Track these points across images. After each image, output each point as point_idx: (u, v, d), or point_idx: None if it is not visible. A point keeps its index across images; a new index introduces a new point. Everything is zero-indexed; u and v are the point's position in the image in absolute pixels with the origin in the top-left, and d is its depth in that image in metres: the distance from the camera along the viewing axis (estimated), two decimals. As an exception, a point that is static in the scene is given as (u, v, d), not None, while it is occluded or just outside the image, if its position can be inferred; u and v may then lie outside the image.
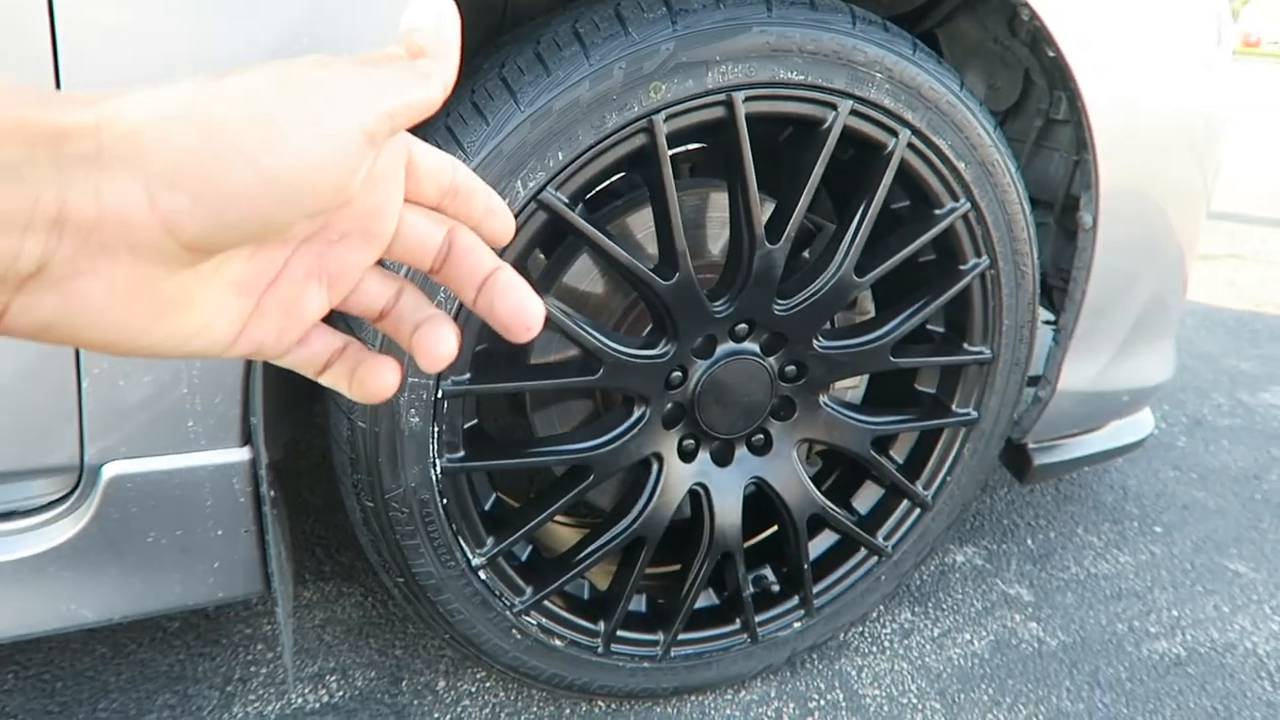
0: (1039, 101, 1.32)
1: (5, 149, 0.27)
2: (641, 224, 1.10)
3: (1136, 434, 1.56)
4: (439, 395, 0.93)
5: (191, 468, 0.88)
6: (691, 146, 1.21)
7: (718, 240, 1.14)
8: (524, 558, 1.12)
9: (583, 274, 1.08)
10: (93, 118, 0.29)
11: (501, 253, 0.90)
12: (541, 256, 1.17)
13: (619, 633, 1.14)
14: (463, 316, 0.91)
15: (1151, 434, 1.62)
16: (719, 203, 1.12)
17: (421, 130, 0.92)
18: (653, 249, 1.05)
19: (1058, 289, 1.37)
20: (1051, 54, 1.09)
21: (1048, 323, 1.37)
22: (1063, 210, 1.35)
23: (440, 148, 0.87)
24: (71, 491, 0.88)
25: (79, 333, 0.31)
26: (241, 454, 0.90)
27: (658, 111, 0.90)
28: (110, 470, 0.85)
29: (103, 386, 0.82)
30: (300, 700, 1.18)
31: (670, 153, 0.93)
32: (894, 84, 0.99)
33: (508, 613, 1.06)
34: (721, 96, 0.92)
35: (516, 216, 0.89)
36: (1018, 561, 1.60)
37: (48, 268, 0.29)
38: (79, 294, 0.30)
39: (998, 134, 1.09)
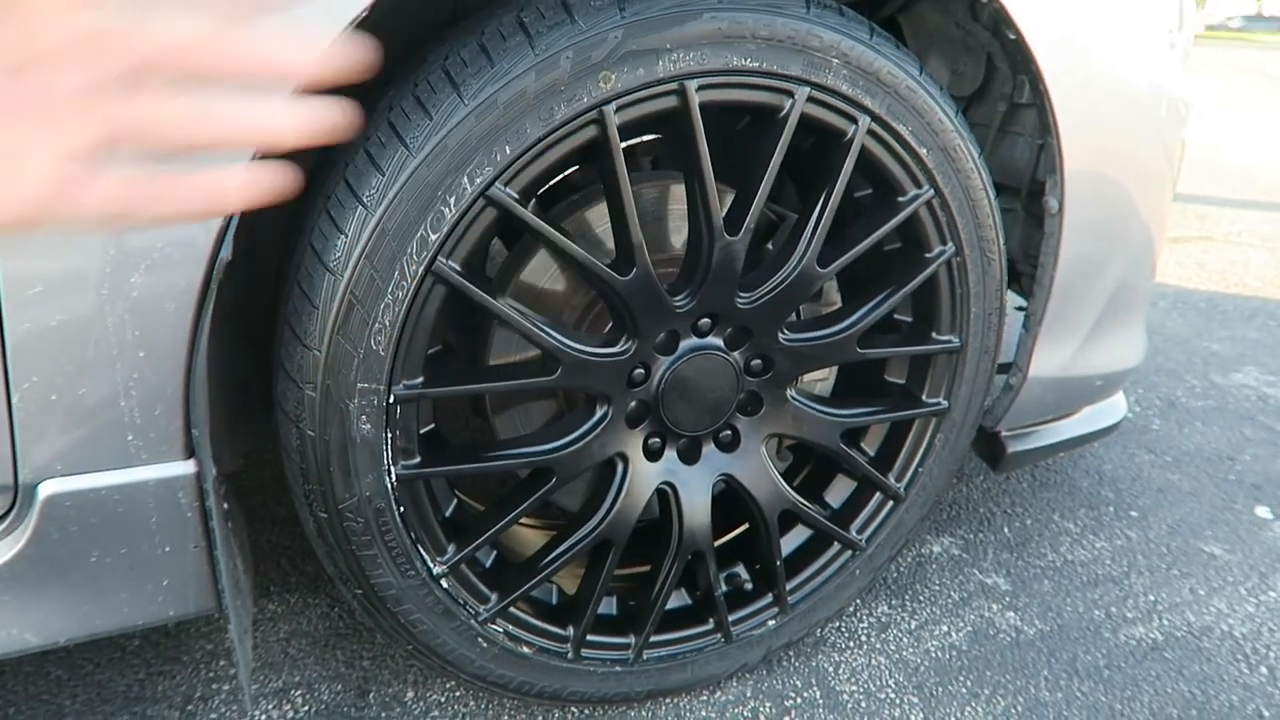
0: (1002, 86, 1.31)
1: None
2: (600, 218, 1.07)
3: (1110, 418, 1.55)
4: (390, 400, 0.90)
5: (133, 483, 0.85)
6: (649, 138, 1.19)
7: (679, 233, 1.11)
8: (488, 564, 1.09)
9: (540, 271, 1.06)
10: None
11: (451, 251, 0.87)
12: (507, 251, 1.14)
13: (589, 637, 1.12)
14: (412, 320, 0.88)
15: (1125, 418, 1.61)
16: (679, 195, 1.10)
17: (364, 126, 0.89)
18: (612, 243, 1.02)
19: (1026, 275, 1.36)
20: (1013, 37, 1.07)
21: (1020, 309, 1.36)
22: (1029, 195, 1.33)
23: (382, 143, 0.85)
24: (7, 512, 0.84)
25: None
26: (186, 467, 0.86)
27: (608, 102, 0.87)
28: (47, 489, 0.82)
29: (34, 401, 0.78)
30: (264, 717, 1.15)
31: (627, 145, 0.90)
32: (851, 69, 0.97)
33: (473, 621, 1.04)
34: (674, 85, 0.89)
35: (464, 214, 0.86)
36: (994, 550, 1.59)
37: None
38: None
39: (959, 119, 1.07)
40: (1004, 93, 1.31)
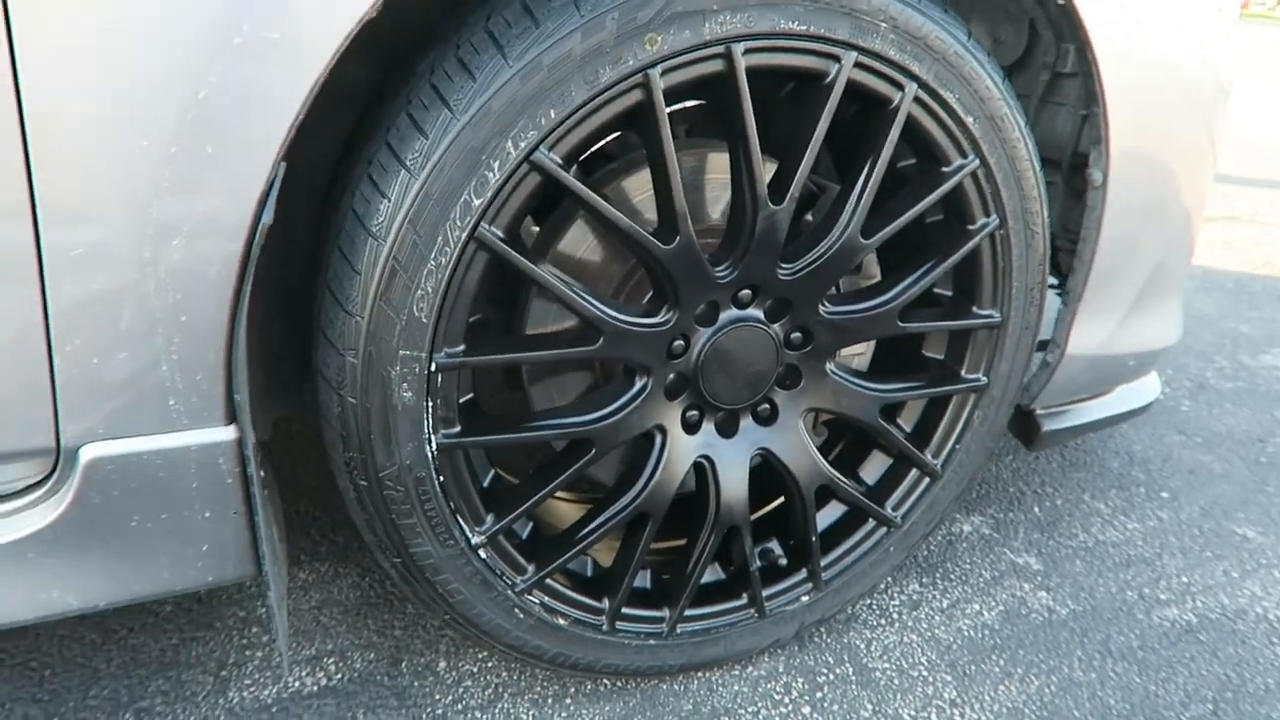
0: (1045, 55, 1.28)
1: None
2: (638, 187, 1.05)
3: (1143, 398, 1.53)
4: (432, 368, 0.89)
5: (174, 448, 0.84)
6: (687, 104, 1.17)
7: (717, 203, 1.09)
8: (525, 535, 1.08)
9: (579, 240, 1.04)
10: None
11: (494, 217, 0.86)
12: (534, 228, 1.13)
13: (624, 610, 1.11)
14: (455, 286, 0.87)
15: (1157, 399, 1.59)
16: (718, 164, 1.08)
17: (405, 89, 0.87)
18: (651, 213, 1.01)
19: (1065, 250, 1.33)
20: (1061, 2, 1.04)
21: (1053, 286, 1.34)
22: (1070, 168, 1.31)
23: (425, 106, 0.83)
24: (49, 475, 0.84)
25: None
26: (227, 433, 0.86)
27: (654, 65, 0.85)
28: (88, 452, 0.82)
29: (76, 365, 0.78)
30: (297, 684, 1.16)
31: (668, 110, 0.89)
32: (899, 34, 0.95)
33: (509, 592, 1.03)
34: (720, 49, 0.87)
35: (508, 179, 0.84)
36: (1025, 530, 1.57)
37: None
38: None
39: (1006, 86, 1.05)
40: (1046, 61, 1.28)
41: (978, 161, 1.05)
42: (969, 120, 1.03)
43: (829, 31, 0.91)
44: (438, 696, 1.15)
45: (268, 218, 0.79)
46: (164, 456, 0.84)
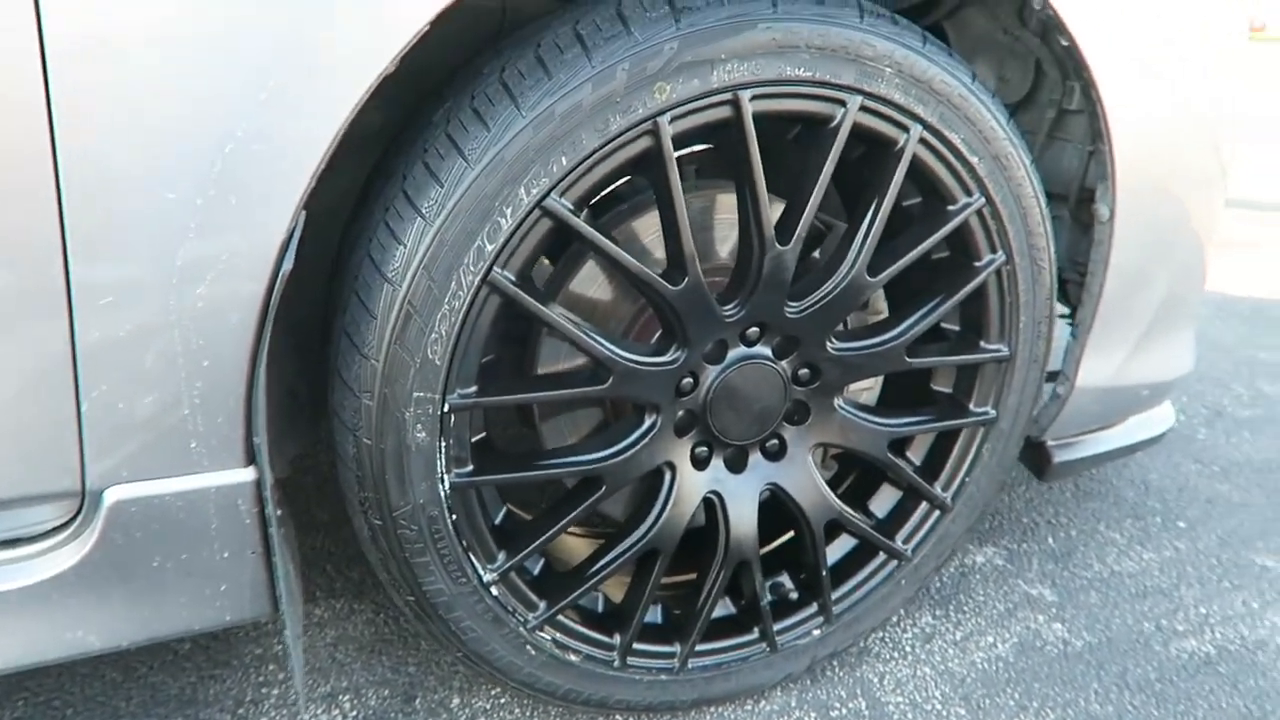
0: (1050, 92, 1.30)
1: None
2: (647, 228, 1.07)
3: (1157, 428, 1.53)
4: (445, 409, 0.91)
5: (195, 490, 0.86)
6: (697, 148, 1.19)
7: (726, 243, 1.11)
8: (536, 572, 1.09)
9: (589, 280, 1.06)
10: None
11: (506, 262, 0.88)
12: (547, 263, 1.15)
13: (635, 645, 1.12)
14: (468, 329, 0.89)
15: (1172, 427, 1.58)
16: (726, 205, 1.10)
17: (421, 139, 0.90)
18: (660, 254, 1.03)
19: (1074, 283, 1.34)
20: (1065, 43, 1.06)
21: (1063, 317, 1.34)
22: (1077, 203, 1.32)
23: (440, 155, 0.86)
24: (74, 517, 0.86)
25: None
26: (246, 474, 0.88)
27: (663, 113, 0.87)
28: (112, 495, 0.84)
29: (102, 409, 0.80)
30: (313, 721, 1.16)
31: (676, 155, 0.91)
32: (904, 78, 0.97)
33: (521, 629, 1.04)
34: (728, 96, 0.89)
35: (520, 224, 0.87)
36: (1039, 561, 1.57)
37: None
38: None
39: (1011, 126, 1.06)
40: (1052, 99, 1.30)
41: (983, 199, 1.07)
42: (974, 160, 1.04)
43: (834, 77, 0.93)
44: (452, 732, 1.15)
45: (288, 265, 0.81)
46: (185, 498, 0.86)
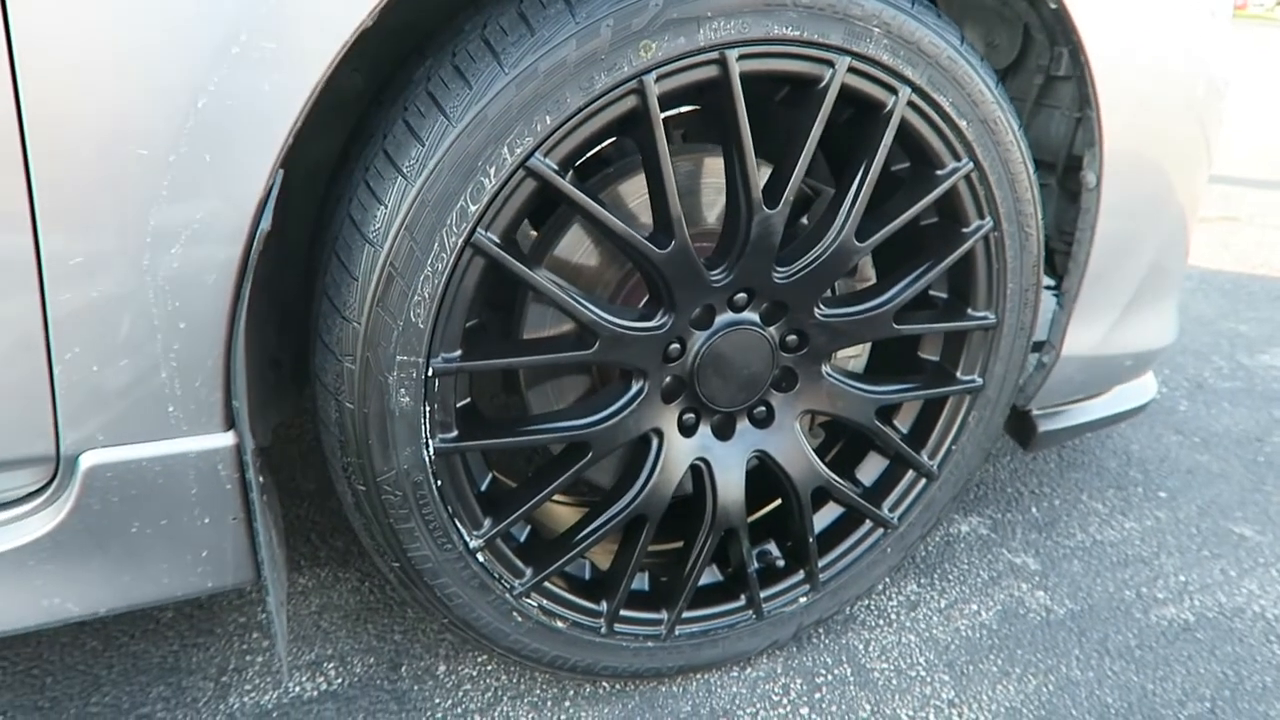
0: (1039, 58, 1.29)
1: None
2: (634, 192, 1.06)
3: (1140, 399, 1.54)
4: (429, 373, 0.90)
5: (174, 455, 0.85)
6: (683, 110, 1.17)
7: (713, 207, 1.10)
8: (522, 539, 1.09)
9: (575, 245, 1.05)
10: None
11: (490, 223, 0.86)
12: (532, 231, 1.13)
13: (622, 612, 1.12)
14: (451, 292, 0.87)
15: (1154, 399, 1.59)
16: (713, 168, 1.09)
17: (402, 97, 0.88)
18: (646, 218, 1.01)
19: (1060, 252, 1.34)
20: (1053, 6, 1.05)
21: (1049, 287, 1.34)
22: (1065, 171, 1.31)
23: (421, 113, 0.84)
24: (49, 483, 0.84)
25: None
26: (225, 439, 0.86)
27: (648, 71, 0.86)
28: (88, 459, 0.82)
29: (76, 373, 0.78)
30: (298, 689, 1.16)
31: (662, 116, 0.89)
32: (893, 39, 0.95)
33: (507, 595, 1.04)
34: (714, 55, 0.88)
35: (504, 185, 0.85)
36: (1023, 530, 1.58)
37: None
38: None
39: (999, 90, 1.05)
40: (1040, 65, 1.29)
41: (971, 164, 1.06)
42: (962, 124, 1.03)
43: (822, 37, 0.92)
44: (437, 700, 1.15)
45: (266, 224, 0.79)
46: (163, 463, 0.84)
